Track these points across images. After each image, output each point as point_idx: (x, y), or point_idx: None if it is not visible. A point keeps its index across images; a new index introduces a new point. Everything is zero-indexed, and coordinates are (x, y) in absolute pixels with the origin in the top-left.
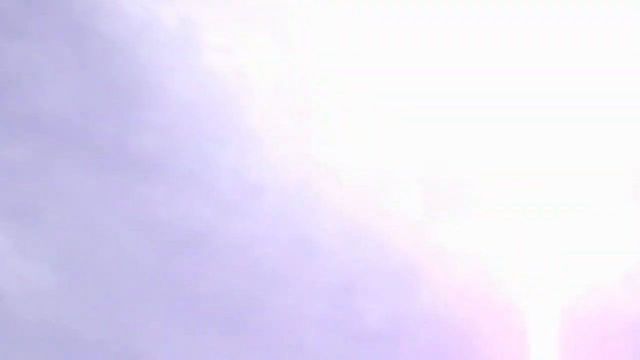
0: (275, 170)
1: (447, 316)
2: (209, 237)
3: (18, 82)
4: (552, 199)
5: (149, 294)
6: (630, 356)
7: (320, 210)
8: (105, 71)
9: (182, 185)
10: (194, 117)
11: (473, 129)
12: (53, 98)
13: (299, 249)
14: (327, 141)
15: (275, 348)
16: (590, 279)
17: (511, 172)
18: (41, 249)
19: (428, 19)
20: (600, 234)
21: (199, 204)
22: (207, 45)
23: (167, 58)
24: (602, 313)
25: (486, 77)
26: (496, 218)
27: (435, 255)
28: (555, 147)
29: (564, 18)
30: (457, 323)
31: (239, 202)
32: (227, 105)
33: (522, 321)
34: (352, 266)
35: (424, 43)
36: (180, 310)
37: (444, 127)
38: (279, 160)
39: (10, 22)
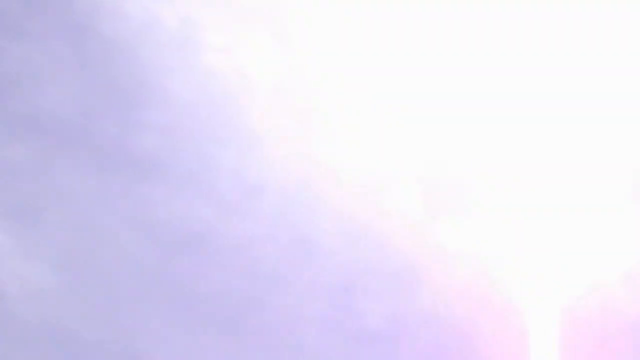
0: (275, 170)
1: (447, 316)
2: (209, 237)
3: (18, 82)
4: (552, 199)
5: (149, 294)
6: (630, 356)
7: (321, 210)
8: (105, 71)
9: (183, 185)
10: (194, 117)
11: (473, 129)
12: (53, 98)
13: (299, 249)
14: (328, 141)
15: (275, 348)
16: (590, 279)
17: (511, 172)
18: (41, 249)
19: (428, 19)
20: (600, 234)
21: (199, 203)
22: (207, 45)
23: (168, 58)
24: (602, 313)
25: (486, 77)
26: (496, 218)
27: (435, 255)
28: (556, 147)
29: (564, 18)
30: (457, 323)
31: (239, 202)
32: (227, 105)
33: (522, 321)
34: (352, 266)
35: (424, 43)
36: (181, 310)
37: (444, 127)
38: (279, 160)
39: (11, 22)
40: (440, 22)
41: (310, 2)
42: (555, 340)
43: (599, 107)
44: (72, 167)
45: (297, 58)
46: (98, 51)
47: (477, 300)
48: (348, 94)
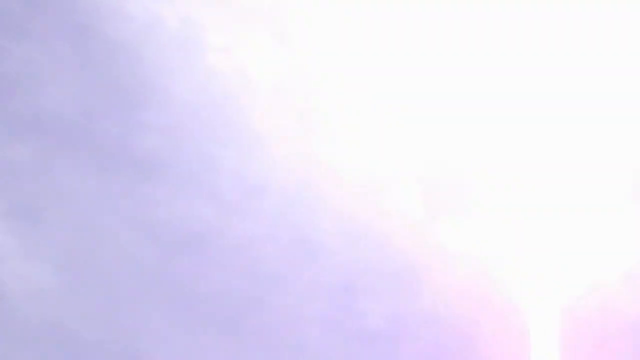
0: (276, 170)
1: (448, 316)
2: (210, 236)
3: (20, 82)
4: (552, 199)
5: (150, 294)
6: (630, 356)
7: (321, 211)
8: (106, 71)
9: (183, 185)
10: (195, 117)
11: (473, 129)
12: (55, 98)
13: (300, 249)
14: (328, 141)
15: (275, 348)
16: (590, 279)
17: (511, 172)
18: (42, 249)
19: (428, 19)
20: (600, 234)
21: (200, 203)
22: (208, 45)
23: (169, 58)
24: (603, 313)
25: (486, 77)
26: (496, 218)
27: (435, 255)
28: (556, 147)
29: (564, 18)
30: (457, 323)
31: (240, 202)
32: (228, 106)
33: (523, 321)
34: (353, 266)
35: (424, 43)
36: (181, 310)
37: (444, 127)
38: (280, 160)
39: (12, 22)
40: (440, 22)
41: (311, 2)
42: (555, 340)
43: (599, 107)
44: (73, 167)
45: (298, 58)
46: (99, 51)
47: (478, 300)
48: (349, 94)
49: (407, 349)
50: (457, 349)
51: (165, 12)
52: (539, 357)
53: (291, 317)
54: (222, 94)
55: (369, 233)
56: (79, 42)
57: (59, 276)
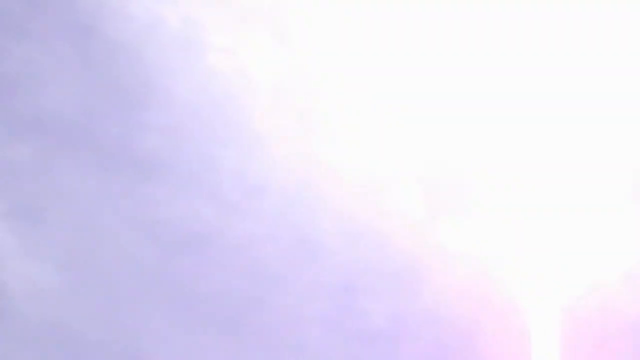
0: (276, 170)
1: (448, 316)
2: (210, 237)
3: (21, 82)
4: (552, 199)
5: (151, 294)
6: (631, 356)
7: (322, 210)
8: (108, 71)
9: (184, 185)
10: (196, 118)
11: (473, 129)
12: (56, 98)
13: (300, 249)
14: (329, 141)
15: (276, 348)
16: (590, 278)
17: (511, 172)
18: (44, 249)
19: (428, 19)
20: (600, 234)
21: (201, 203)
22: (209, 45)
23: (170, 58)
24: (603, 313)
25: (486, 77)
26: (497, 218)
27: (436, 255)
28: (556, 147)
29: (564, 18)
30: (458, 322)
31: (241, 202)
32: (229, 106)
33: (523, 320)
34: (353, 266)
35: (424, 43)
36: (182, 309)
37: (445, 127)
38: (281, 160)
39: (13, 22)
40: (441, 22)
41: (312, 2)
42: (556, 339)
43: (599, 107)
44: (75, 167)
45: (299, 58)
46: (100, 51)
47: (478, 300)
48: (349, 94)
49: (407, 349)
50: (458, 349)
51: (166, 12)
52: (540, 357)
53: (292, 317)
54: (223, 94)
55: (369, 233)
56: (79, 42)
57: (60, 276)
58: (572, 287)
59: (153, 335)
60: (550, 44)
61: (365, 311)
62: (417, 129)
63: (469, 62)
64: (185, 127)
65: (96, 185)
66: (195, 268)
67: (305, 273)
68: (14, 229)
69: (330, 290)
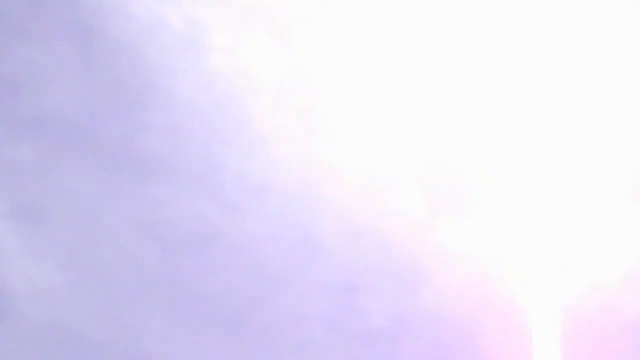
0: (278, 170)
1: (449, 315)
2: (212, 236)
3: (23, 83)
4: (552, 199)
5: (153, 293)
6: (631, 355)
7: (323, 210)
8: (110, 72)
9: (187, 185)
10: (198, 118)
11: (474, 128)
12: (59, 99)
13: (301, 248)
14: (330, 141)
15: (277, 347)
16: (590, 278)
17: (512, 172)
18: (46, 249)
19: (429, 19)
20: (600, 234)
21: (203, 203)
22: (211, 46)
23: (172, 59)
24: (603, 312)
25: (486, 77)
26: (497, 218)
27: (437, 255)
28: (556, 147)
29: (564, 18)
30: (458, 322)
31: (243, 202)
32: (231, 106)
33: (524, 320)
34: (354, 266)
35: (425, 43)
36: (184, 309)
37: (445, 127)
38: (283, 160)
39: (15, 22)
40: (441, 22)
41: (314, 3)
42: (556, 339)
43: (599, 107)
44: (77, 167)
45: (300, 59)
46: (102, 51)
47: (479, 300)
48: (350, 95)
49: (408, 349)
50: (459, 348)
51: (168, 12)
52: (540, 356)
53: (293, 317)
54: (225, 94)
55: (370, 233)
56: (81, 42)
57: (61, 276)
58: (572, 287)
59: (155, 335)
60: (550, 44)
61: (366, 311)
62: (418, 129)
63: (469, 62)
64: (186, 127)
65: (98, 185)
66: (197, 268)
67: (306, 273)
68: (16, 228)
69: (331, 290)
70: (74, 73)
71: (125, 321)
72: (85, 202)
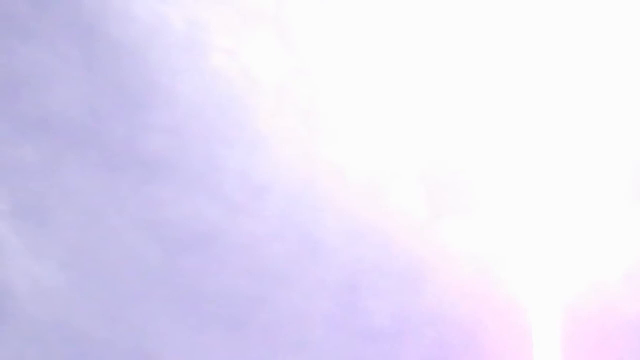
0: (280, 170)
1: (451, 314)
2: (215, 236)
3: (26, 82)
4: (552, 199)
5: (156, 293)
6: (631, 354)
7: (325, 210)
8: (113, 72)
9: (189, 185)
10: (200, 118)
11: (475, 129)
12: (62, 99)
13: (305, 248)
14: (332, 141)
15: (280, 345)
16: (590, 278)
17: (513, 172)
18: (49, 248)
19: (430, 21)
20: (600, 234)
21: (206, 203)
22: (213, 46)
23: (174, 59)
24: (603, 312)
25: (486, 77)
26: (499, 218)
27: (439, 254)
28: (556, 147)
29: (564, 18)
30: (460, 321)
31: (246, 201)
32: (233, 106)
33: (525, 319)
34: (357, 265)
35: (427, 44)
36: (188, 308)
37: (447, 128)
38: (285, 160)
39: (19, 23)
40: (443, 24)
41: (316, 3)
42: (556, 337)
43: (599, 107)
44: (80, 167)
45: (303, 59)
46: (105, 52)
47: (480, 299)
48: (353, 95)
49: (410, 347)
50: (460, 347)
51: (170, 13)
52: (541, 355)
53: (295, 315)
54: (227, 94)
55: (372, 232)
56: (84, 43)
57: (64, 275)
58: (572, 287)
59: (158, 334)
60: (550, 44)
61: (368, 309)
62: (420, 129)
63: (470, 62)
64: (189, 128)
65: (101, 185)
66: (199, 267)
67: (308, 272)
68: (19, 228)
69: (333, 288)
70: (77, 73)
71: (127, 320)
72: (87, 201)
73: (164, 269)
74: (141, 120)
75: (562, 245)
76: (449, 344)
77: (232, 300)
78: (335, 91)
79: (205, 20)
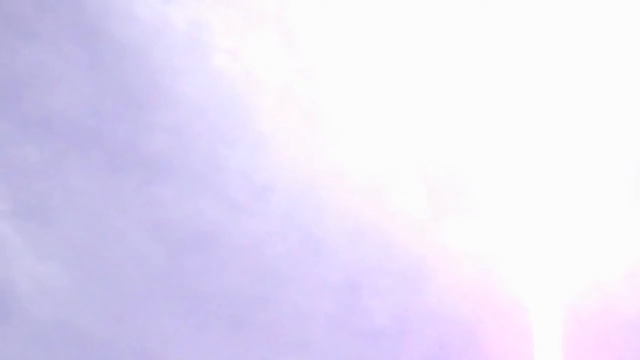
0: (283, 170)
1: (452, 314)
2: (217, 236)
3: (31, 84)
4: (552, 199)
5: (159, 293)
6: (631, 354)
7: (327, 210)
8: (116, 73)
9: (192, 186)
10: (202, 118)
11: (476, 129)
12: (65, 99)
13: (306, 248)
14: (334, 142)
15: (281, 345)
16: (591, 278)
17: (513, 172)
18: (52, 248)
19: (432, 22)
20: (600, 234)
21: (208, 203)
22: (216, 47)
23: (178, 60)
24: (604, 311)
25: (487, 77)
26: (499, 217)
27: (440, 254)
28: (556, 147)
29: (564, 17)
30: (461, 320)
31: (248, 202)
32: (235, 107)
33: (525, 319)
34: (358, 265)
35: (429, 45)
36: (189, 308)
37: (448, 128)
38: (287, 160)
39: (23, 24)
40: (445, 24)
41: (318, 4)
42: (557, 337)
43: (599, 107)
44: (83, 167)
45: (305, 60)
46: (108, 52)
47: (481, 299)
48: (355, 96)
49: (411, 347)
50: (461, 346)
51: (173, 14)
52: (542, 354)
53: (297, 315)
54: (229, 95)
55: (373, 232)
56: (87, 43)
57: (68, 275)
58: (573, 286)
59: (160, 334)
60: (550, 44)
61: (370, 309)
62: (421, 129)
63: (472, 62)
64: (191, 128)
65: (104, 185)
66: (202, 267)
67: (310, 272)
68: (22, 228)
69: (335, 288)
70: (79, 74)
71: (130, 320)
72: (90, 201)
73: (167, 268)
74: (144, 120)
75: (562, 245)
76: (450, 344)
77: (234, 300)
78: (338, 92)
79: (208, 21)
